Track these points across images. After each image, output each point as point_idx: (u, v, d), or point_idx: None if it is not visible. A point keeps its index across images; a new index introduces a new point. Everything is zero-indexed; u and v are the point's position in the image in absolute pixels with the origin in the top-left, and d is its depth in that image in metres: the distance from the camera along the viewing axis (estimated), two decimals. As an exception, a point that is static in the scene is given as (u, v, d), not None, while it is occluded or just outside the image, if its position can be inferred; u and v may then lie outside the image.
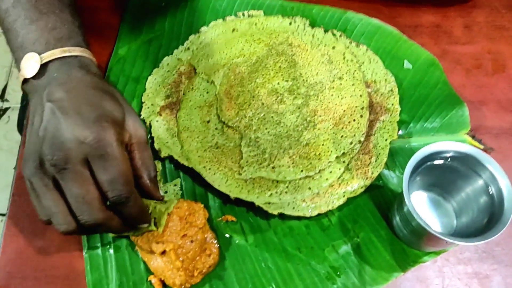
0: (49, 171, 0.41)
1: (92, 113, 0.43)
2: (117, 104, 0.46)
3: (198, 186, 0.54)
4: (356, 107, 0.55)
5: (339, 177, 0.53)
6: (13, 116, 1.45)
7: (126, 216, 0.44)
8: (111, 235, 0.51)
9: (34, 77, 0.45)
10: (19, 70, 0.47)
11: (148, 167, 0.48)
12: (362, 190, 0.53)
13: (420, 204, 0.52)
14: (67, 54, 0.46)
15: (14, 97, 1.48)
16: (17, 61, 0.47)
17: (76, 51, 0.47)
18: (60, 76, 0.45)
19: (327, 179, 0.52)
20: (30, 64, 0.45)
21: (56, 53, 0.46)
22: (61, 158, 0.41)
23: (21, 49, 0.46)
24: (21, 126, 0.56)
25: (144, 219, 0.46)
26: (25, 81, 0.46)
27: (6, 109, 1.46)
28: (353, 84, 0.57)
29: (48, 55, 0.46)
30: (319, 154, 0.53)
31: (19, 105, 1.45)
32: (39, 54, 0.45)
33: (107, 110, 0.44)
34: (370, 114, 0.56)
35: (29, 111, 0.46)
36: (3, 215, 1.30)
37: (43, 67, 0.45)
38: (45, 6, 0.48)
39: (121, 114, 0.45)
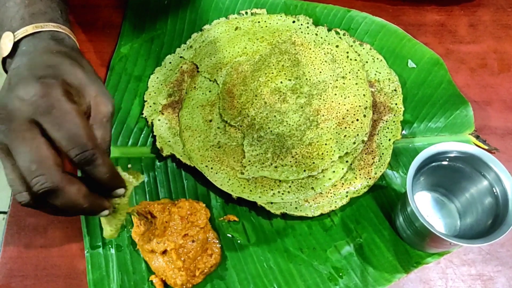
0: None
1: (41, 71, 0.39)
2: (76, 69, 0.41)
3: (200, 186, 0.54)
4: (359, 106, 0.55)
5: (342, 177, 0.52)
6: (15, 114, 1.44)
7: (97, 179, 0.38)
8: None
9: (9, 56, 0.44)
10: None
11: (103, 148, 0.40)
12: (365, 190, 0.52)
13: (424, 205, 0.52)
14: (39, 29, 0.44)
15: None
16: None
17: (49, 27, 0.45)
18: (27, 49, 0.44)
19: (330, 179, 0.52)
20: (5, 43, 0.44)
21: (29, 29, 0.44)
22: (4, 119, 0.37)
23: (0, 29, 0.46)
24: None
25: (118, 182, 0.40)
26: (4, 61, 0.45)
27: (9, 106, 1.46)
28: (356, 83, 0.56)
29: (21, 32, 0.44)
30: (322, 153, 0.53)
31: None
32: (14, 31, 0.44)
33: (60, 70, 0.40)
34: (373, 113, 0.55)
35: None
36: (4, 213, 1.30)
37: (16, 44, 0.44)
38: None
39: (79, 80, 0.40)
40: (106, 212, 0.40)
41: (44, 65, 0.40)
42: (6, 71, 0.46)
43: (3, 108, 0.37)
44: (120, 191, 0.41)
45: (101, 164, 0.38)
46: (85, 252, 0.50)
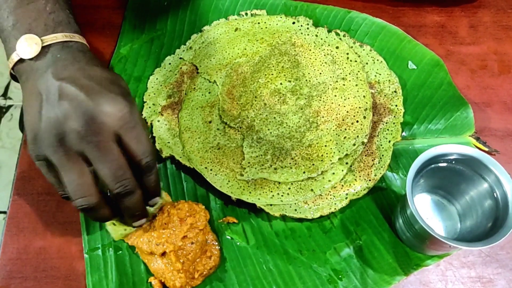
0: (74, 145, 0.42)
1: (116, 88, 0.44)
2: (126, 84, 0.47)
3: (199, 187, 0.54)
4: (359, 108, 0.55)
5: (342, 179, 0.52)
6: (15, 114, 1.45)
7: (149, 185, 0.46)
8: (113, 235, 0.50)
9: (31, 59, 0.45)
10: (8, 50, 0.46)
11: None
12: (365, 192, 0.52)
13: (424, 207, 0.52)
14: (68, 39, 0.46)
15: (17, 95, 1.48)
16: (5, 41, 0.46)
17: (76, 38, 0.47)
18: (64, 57, 0.45)
19: (329, 180, 0.52)
20: (29, 46, 0.45)
21: (59, 37, 0.45)
22: (93, 131, 0.41)
23: (13, 28, 0.46)
24: (23, 124, 0.55)
25: (159, 191, 0.48)
26: (19, 62, 0.45)
27: (9, 106, 1.46)
28: (356, 85, 0.56)
29: (50, 38, 0.45)
30: (322, 155, 0.53)
31: (21, 103, 1.46)
32: (38, 36, 0.45)
33: (125, 87, 0.46)
34: (373, 115, 0.55)
35: (26, 92, 0.45)
36: (4, 212, 1.30)
37: (43, 49, 0.45)
38: None
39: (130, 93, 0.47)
40: (144, 220, 0.48)
41: (109, 80, 0.44)
42: (14, 72, 0.47)
43: (91, 121, 0.41)
44: (158, 199, 0.48)
45: (155, 172, 0.46)
46: (84, 253, 0.50)
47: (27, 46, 0.45)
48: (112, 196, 0.44)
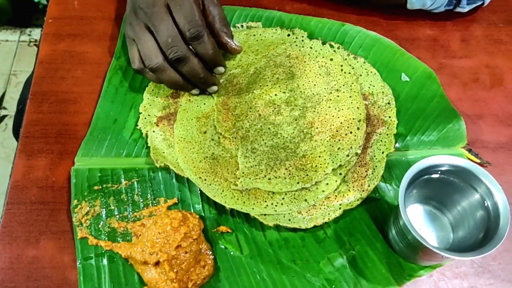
0: (140, 19, 0.53)
1: None
2: None
3: (193, 197, 0.54)
4: (353, 119, 0.55)
5: (336, 189, 0.53)
6: (10, 124, 1.45)
7: (203, 54, 0.53)
8: (103, 244, 0.50)
9: None
10: None
11: (220, 18, 0.55)
12: (359, 202, 0.52)
13: (416, 218, 0.52)
14: None
15: (12, 105, 1.48)
16: None
17: None
18: None
19: (323, 191, 0.52)
20: None
21: None
22: (150, 4, 0.51)
23: None
24: (17, 132, 0.55)
25: (220, 59, 0.55)
26: None
27: (4, 116, 1.46)
28: (350, 96, 0.57)
29: None
30: (316, 166, 0.53)
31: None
32: None
33: None
34: (367, 126, 0.56)
35: None
36: (-2, 223, 1.29)
37: None
38: None
39: None
40: (215, 87, 0.57)
41: None
42: None
43: None
44: (221, 69, 0.56)
45: (206, 41, 0.52)
46: (77, 263, 0.50)
47: None
48: (172, 62, 0.52)
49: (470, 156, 0.56)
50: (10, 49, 1.57)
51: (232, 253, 0.51)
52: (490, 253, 0.42)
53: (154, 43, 0.52)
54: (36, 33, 1.61)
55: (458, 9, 0.64)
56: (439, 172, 0.48)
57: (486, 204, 0.46)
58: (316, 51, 0.60)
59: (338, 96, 0.57)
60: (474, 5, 0.64)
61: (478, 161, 0.56)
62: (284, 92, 0.57)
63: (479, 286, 0.50)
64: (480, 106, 0.60)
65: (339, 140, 0.54)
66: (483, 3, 0.64)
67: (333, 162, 0.53)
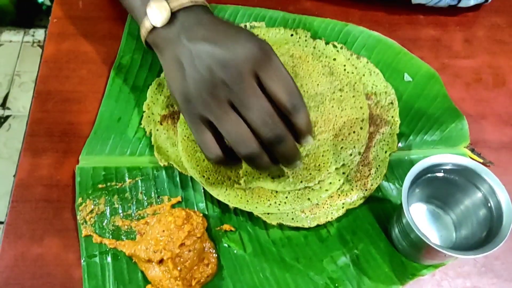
0: (224, 96, 0.43)
1: (246, 33, 0.46)
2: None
3: (197, 195, 0.54)
4: (356, 119, 0.56)
5: (339, 188, 0.53)
6: (14, 124, 1.45)
7: (301, 125, 0.45)
8: (107, 243, 0.51)
9: (162, 27, 0.47)
10: (140, 23, 0.50)
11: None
12: (362, 201, 0.53)
13: (419, 217, 0.52)
14: (193, 3, 0.48)
15: (15, 105, 1.48)
16: (138, 17, 0.50)
17: (199, 2, 0.49)
18: (192, 22, 0.47)
19: (326, 190, 0.52)
20: (159, 13, 0.47)
21: (184, 3, 0.47)
22: (234, 77, 0.43)
23: (142, 4, 0.48)
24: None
25: (311, 127, 0.47)
26: (150, 32, 0.48)
27: (7, 117, 1.47)
28: (353, 96, 0.57)
29: (177, 5, 0.47)
30: (319, 165, 0.53)
31: (19, 113, 1.46)
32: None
33: (254, 34, 0.47)
34: (370, 126, 0.56)
35: (166, 63, 0.48)
36: (1, 222, 1.29)
37: (172, 16, 0.47)
38: None
39: None
40: (299, 163, 0.48)
41: (237, 29, 0.47)
42: (147, 44, 0.51)
43: (231, 66, 0.43)
44: (311, 140, 0.46)
45: (304, 112, 0.45)
46: (82, 261, 0.50)
47: (157, 13, 0.47)
48: (266, 143, 0.44)
49: (473, 155, 0.56)
50: (13, 49, 1.58)
51: (235, 251, 0.51)
52: (493, 252, 0.42)
53: (245, 124, 0.44)
54: (39, 33, 1.62)
55: (462, 4, 0.63)
56: (442, 171, 0.48)
57: (489, 203, 0.46)
58: (319, 51, 0.61)
59: (341, 95, 0.57)
60: (479, 0, 0.64)
61: (481, 160, 0.56)
62: (287, 92, 0.58)
63: (481, 285, 0.50)
64: (483, 106, 0.61)
65: (342, 139, 0.55)
66: (487, 0, 0.64)
67: (336, 162, 0.53)
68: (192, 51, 0.45)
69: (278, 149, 0.45)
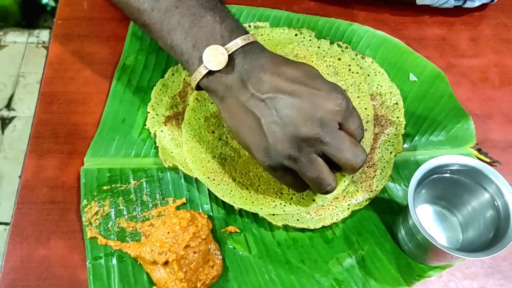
0: (313, 147, 0.45)
1: (321, 81, 0.46)
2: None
3: (202, 197, 0.54)
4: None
5: (344, 190, 0.52)
6: (19, 125, 1.46)
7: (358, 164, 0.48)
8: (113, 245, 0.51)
9: (220, 72, 0.46)
10: (191, 68, 0.47)
11: None
12: (367, 203, 0.52)
13: (426, 218, 0.52)
14: (246, 42, 0.46)
15: (20, 107, 1.49)
16: (187, 63, 0.48)
17: (250, 38, 0.47)
18: (252, 66, 0.46)
19: (331, 191, 0.52)
20: (216, 57, 0.45)
21: (239, 42, 0.46)
22: (326, 131, 0.44)
23: (194, 49, 0.46)
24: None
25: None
26: (206, 76, 0.46)
27: (12, 118, 1.47)
28: (358, 97, 0.57)
29: (232, 46, 0.45)
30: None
31: (24, 115, 1.47)
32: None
33: (321, 75, 0.47)
34: (375, 127, 0.56)
35: (231, 111, 0.47)
36: (7, 224, 1.30)
37: (230, 58, 0.45)
38: (206, 1, 0.48)
39: None
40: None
41: (309, 75, 0.46)
42: (203, 89, 0.48)
43: (321, 123, 0.44)
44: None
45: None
46: (87, 262, 0.50)
47: (214, 57, 0.45)
48: (352, 172, 0.48)
49: (479, 155, 0.56)
50: (18, 50, 1.59)
51: (240, 253, 0.51)
52: (500, 254, 0.42)
53: (327, 168, 0.46)
54: (44, 34, 1.62)
55: (468, 4, 0.63)
56: (449, 172, 0.48)
57: (496, 204, 0.46)
58: (323, 50, 0.60)
59: (346, 96, 0.57)
60: (484, 0, 0.63)
61: (488, 160, 0.55)
62: (292, 92, 0.57)
63: (489, 286, 0.50)
64: (489, 106, 0.60)
65: (348, 140, 0.54)
66: (492, 0, 0.64)
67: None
68: (266, 103, 0.44)
69: (357, 170, 0.48)
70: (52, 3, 1.61)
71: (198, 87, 0.48)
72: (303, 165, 0.45)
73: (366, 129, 0.55)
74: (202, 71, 0.46)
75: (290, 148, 0.44)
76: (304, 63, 0.48)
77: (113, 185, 0.54)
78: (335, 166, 0.47)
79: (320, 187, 0.47)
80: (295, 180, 0.48)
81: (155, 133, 0.57)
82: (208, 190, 0.53)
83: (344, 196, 0.52)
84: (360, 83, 0.58)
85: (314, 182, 0.46)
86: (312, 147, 0.45)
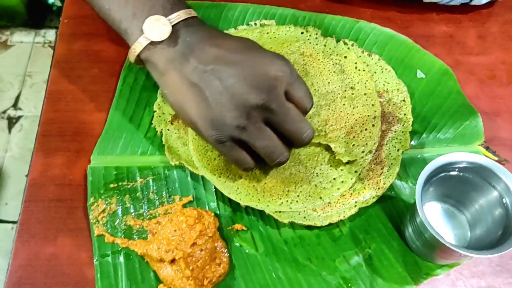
0: (260, 116, 0.44)
1: (262, 50, 0.46)
2: None
3: (208, 194, 0.54)
4: (368, 116, 0.55)
5: (351, 187, 0.52)
6: (25, 124, 1.46)
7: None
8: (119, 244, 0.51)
9: (161, 44, 0.45)
10: (131, 38, 0.46)
11: None
12: (374, 200, 0.52)
13: (433, 216, 0.52)
14: (188, 16, 0.46)
15: (27, 106, 1.50)
16: (125, 32, 0.46)
17: (192, 13, 0.47)
18: (194, 39, 0.45)
19: (338, 188, 0.52)
20: (158, 28, 0.44)
21: (181, 15, 0.45)
22: (271, 98, 0.44)
23: (133, 18, 0.45)
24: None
25: None
26: (147, 48, 0.45)
27: (19, 117, 1.48)
28: (365, 94, 0.56)
29: (175, 18, 0.45)
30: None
31: (31, 114, 1.47)
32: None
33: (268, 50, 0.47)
34: (382, 124, 0.56)
35: (173, 85, 0.45)
36: (14, 222, 1.31)
37: (173, 30, 0.45)
38: None
39: None
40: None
41: (250, 46, 0.46)
42: (142, 61, 0.47)
43: (267, 89, 0.43)
44: None
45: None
46: (94, 260, 0.50)
47: (156, 28, 0.44)
48: (299, 146, 0.48)
49: (487, 153, 0.55)
50: (24, 50, 1.59)
51: (247, 251, 0.51)
52: (508, 252, 0.42)
53: (277, 137, 0.46)
54: (50, 34, 1.63)
55: (475, 2, 0.63)
56: (457, 170, 0.47)
57: (504, 202, 0.45)
58: (330, 48, 0.60)
59: (352, 93, 0.57)
60: None
61: (496, 158, 0.55)
62: (298, 90, 0.57)
63: (497, 285, 0.50)
64: (497, 103, 0.60)
65: (354, 137, 0.54)
66: (500, -3, 0.64)
67: (348, 157, 0.53)
68: (210, 74, 0.44)
69: (305, 144, 0.48)
70: (58, 3, 1.62)
71: (137, 61, 0.47)
72: (252, 133, 0.45)
73: (373, 125, 0.54)
74: (143, 42, 0.44)
75: (238, 117, 0.43)
76: (244, 37, 0.47)
77: (120, 183, 0.54)
78: (286, 142, 0.47)
79: (272, 156, 0.46)
80: (244, 154, 0.47)
81: (161, 132, 0.57)
82: (215, 188, 0.53)
83: (351, 194, 0.52)
84: (367, 80, 0.57)
85: (265, 151, 0.45)
86: (259, 115, 0.44)
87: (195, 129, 0.46)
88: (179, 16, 0.45)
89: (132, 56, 0.46)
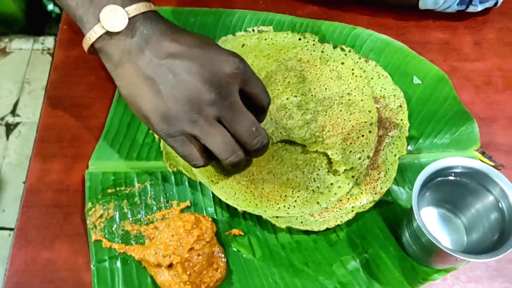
0: (212, 112, 0.44)
1: (218, 48, 0.46)
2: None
3: (206, 200, 0.54)
4: (365, 122, 0.55)
5: (348, 192, 0.52)
6: (24, 131, 1.46)
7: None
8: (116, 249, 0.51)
9: (118, 36, 0.44)
10: (86, 26, 0.44)
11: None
12: (371, 205, 0.52)
13: (430, 220, 0.52)
14: (147, 9, 0.45)
15: (25, 112, 1.50)
16: (81, 20, 0.45)
17: (152, 7, 0.46)
18: (151, 32, 0.44)
19: (335, 193, 0.52)
20: (115, 18, 0.43)
21: (140, 8, 0.44)
22: (223, 95, 0.44)
23: (91, 5, 0.44)
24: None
25: None
26: (102, 38, 0.44)
27: (17, 123, 1.48)
28: (362, 100, 0.57)
29: (134, 10, 0.44)
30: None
31: (29, 120, 1.47)
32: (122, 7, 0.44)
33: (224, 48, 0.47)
34: (379, 129, 0.56)
35: (128, 77, 0.44)
36: (12, 229, 1.30)
37: (130, 22, 0.44)
38: None
39: None
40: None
41: (206, 42, 0.46)
42: (92, 48, 0.46)
43: (219, 86, 0.44)
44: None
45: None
46: (91, 265, 0.50)
47: (113, 18, 0.43)
48: (251, 150, 0.47)
49: (483, 159, 0.56)
50: (23, 57, 1.60)
51: (244, 255, 0.51)
52: (505, 256, 0.42)
53: (230, 135, 0.45)
54: (49, 41, 1.63)
55: (471, 9, 0.63)
56: (453, 174, 0.47)
57: (500, 206, 0.46)
58: (327, 54, 0.61)
59: (349, 99, 0.57)
60: (487, 4, 0.63)
61: (492, 163, 0.55)
62: (296, 96, 0.58)
63: (494, 289, 0.50)
64: (493, 109, 0.60)
65: (351, 143, 0.54)
66: (496, 4, 0.64)
67: (345, 165, 0.53)
68: (166, 68, 0.43)
69: (261, 152, 0.49)
70: (57, 10, 1.62)
71: (90, 50, 0.46)
72: (203, 128, 0.44)
73: (370, 131, 0.55)
74: (98, 31, 0.44)
75: (190, 111, 0.43)
76: (202, 34, 0.48)
77: (118, 188, 0.54)
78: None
79: (223, 154, 0.45)
80: (194, 150, 0.46)
81: (159, 138, 0.57)
82: (212, 193, 0.53)
83: (348, 199, 0.52)
84: (364, 86, 0.58)
85: (216, 147, 0.45)
86: (212, 111, 0.44)
87: (147, 123, 0.46)
88: (137, 8, 0.44)
89: (86, 44, 0.45)
